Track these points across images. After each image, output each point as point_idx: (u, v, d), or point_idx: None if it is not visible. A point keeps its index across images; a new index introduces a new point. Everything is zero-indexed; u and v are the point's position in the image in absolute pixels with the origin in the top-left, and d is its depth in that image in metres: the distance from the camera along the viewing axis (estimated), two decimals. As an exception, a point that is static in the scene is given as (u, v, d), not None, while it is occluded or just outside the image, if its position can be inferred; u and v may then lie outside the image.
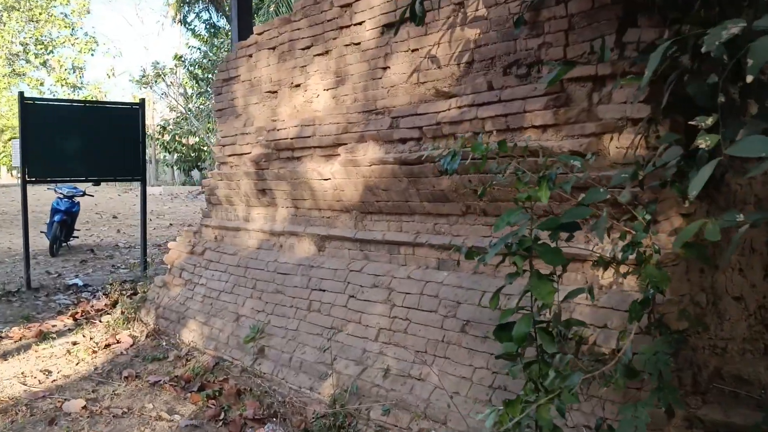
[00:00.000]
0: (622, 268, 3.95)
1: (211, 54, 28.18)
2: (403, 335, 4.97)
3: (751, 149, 2.00)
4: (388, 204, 5.39)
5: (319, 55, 6.01)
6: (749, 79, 2.05)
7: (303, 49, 6.16)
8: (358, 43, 5.58)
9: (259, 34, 6.72)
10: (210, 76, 29.77)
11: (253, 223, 7.10)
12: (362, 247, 5.78)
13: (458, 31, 4.72)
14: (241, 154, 6.88)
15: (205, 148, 33.63)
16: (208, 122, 31.28)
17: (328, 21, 5.85)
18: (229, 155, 7.07)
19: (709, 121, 2.20)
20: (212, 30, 31.79)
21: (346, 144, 5.59)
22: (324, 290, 5.85)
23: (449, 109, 4.68)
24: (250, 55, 6.86)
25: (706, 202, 3.82)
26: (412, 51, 5.12)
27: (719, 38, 2.20)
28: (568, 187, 3.12)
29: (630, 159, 3.71)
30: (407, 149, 5.03)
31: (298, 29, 6.18)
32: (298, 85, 6.31)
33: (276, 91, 6.58)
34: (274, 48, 6.54)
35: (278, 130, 6.33)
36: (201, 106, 31.38)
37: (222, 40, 28.35)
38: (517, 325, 3.13)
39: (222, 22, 32.43)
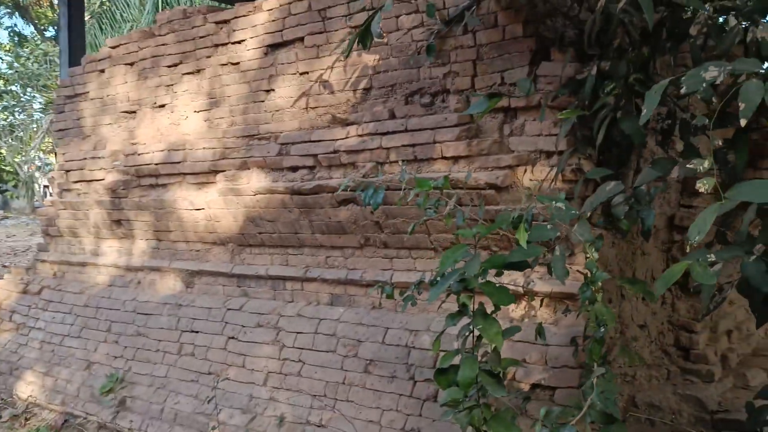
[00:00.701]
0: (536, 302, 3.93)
1: (17, 65, 25.57)
2: (297, 378, 4.61)
3: (753, 195, 1.99)
4: (273, 236, 5.01)
5: (189, 73, 5.50)
6: (743, 122, 2.04)
7: (169, 66, 5.62)
8: (237, 63, 5.18)
9: (114, 47, 6.05)
10: (14, 88, 27.06)
11: (103, 257, 6.34)
12: (240, 283, 5.33)
13: (354, 56, 4.51)
14: (91, 181, 6.12)
15: (7, 168, 30.45)
16: (12, 139, 28.34)
17: (201, 38, 5.38)
18: (76, 181, 6.27)
19: (706, 164, 2.16)
20: (16, 38, 28.99)
21: (224, 171, 5.14)
22: (197, 332, 5.31)
23: (347, 137, 4.45)
24: (102, 70, 6.15)
25: (612, 232, 3.91)
26: (301, 74, 4.83)
27: (701, 81, 2.19)
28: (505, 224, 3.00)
29: (544, 192, 3.70)
30: (299, 178, 4.71)
31: (164, 45, 5.63)
32: (162, 106, 5.73)
33: (135, 112, 5.94)
34: (132, 64, 5.91)
35: (139, 154, 5.70)
36: (3, 122, 28.40)
37: (30, 49, 25.89)
38: (463, 370, 2.93)
39: (29, 30, 29.68)
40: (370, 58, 4.46)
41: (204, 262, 5.56)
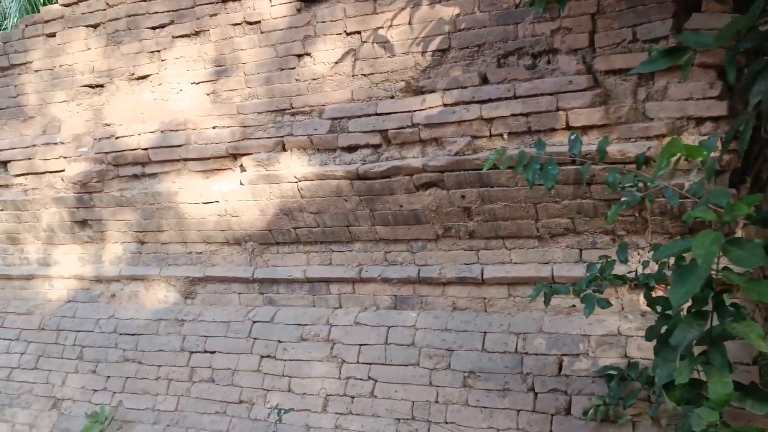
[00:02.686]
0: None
1: None
2: (370, 400, 3.83)
3: None
4: (314, 231, 4.16)
5: (183, 36, 4.47)
6: None
7: (155, 28, 4.54)
8: (257, 22, 4.23)
9: (68, 5, 4.83)
10: None
11: (58, 267, 5.12)
12: (264, 289, 4.43)
13: (425, 11, 3.77)
14: (44, 173, 4.88)
15: None
16: None
17: (202, -9, 4.37)
18: (19, 175, 4.98)
19: None
20: None
21: (249, 154, 4.20)
22: (214, 352, 4.36)
23: (427, 108, 3.69)
24: (51, 35, 4.90)
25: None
26: (350, 34, 4.01)
27: None
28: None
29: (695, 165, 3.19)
30: (359, 159, 3.89)
31: (146, 1, 4.54)
32: (143, 77, 4.64)
33: (102, 86, 4.78)
34: (97, 25, 4.74)
35: (117, 137, 4.57)
36: None
37: None
38: (714, 385, 2.33)
39: None
40: (447, 12, 3.73)
41: (210, 267, 4.57)
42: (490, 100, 3.55)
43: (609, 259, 2.95)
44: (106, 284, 4.95)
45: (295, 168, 4.02)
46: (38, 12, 12.69)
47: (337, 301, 4.22)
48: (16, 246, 5.28)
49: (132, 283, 4.85)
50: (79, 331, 4.85)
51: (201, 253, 4.61)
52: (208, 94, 4.45)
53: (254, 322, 4.34)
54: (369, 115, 3.84)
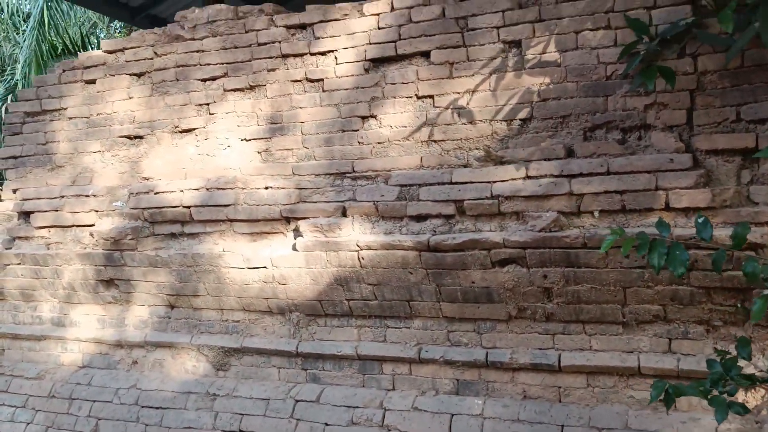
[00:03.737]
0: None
1: None
2: (432, 497, 3.45)
3: None
4: (370, 304, 3.85)
5: (237, 90, 4.24)
6: None
7: (206, 80, 4.31)
8: (319, 80, 4.03)
9: (111, 51, 4.59)
10: None
11: (74, 329, 4.72)
12: (308, 365, 4.08)
13: (509, 78, 3.58)
14: (72, 227, 4.54)
15: None
16: None
17: (262, 45, 4.17)
18: (42, 227, 4.63)
19: None
20: None
21: (304, 218, 3.91)
22: (250, 432, 3.96)
23: (510, 180, 3.46)
24: (91, 81, 4.65)
25: None
26: (421, 98, 3.81)
27: None
28: None
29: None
30: (429, 230, 3.62)
31: (199, 52, 4.32)
32: (188, 130, 4.38)
33: (142, 137, 4.51)
34: (142, 74, 4.50)
35: (156, 193, 4.27)
36: None
37: None
38: None
39: None
40: (533, 81, 3.55)
41: (248, 337, 4.21)
42: (580, 175, 3.33)
43: (730, 355, 2.68)
44: (128, 350, 4.55)
45: (357, 236, 3.73)
46: (43, 59, 12.57)
47: (391, 382, 3.87)
48: (29, 303, 4.88)
49: (157, 350, 4.46)
50: (95, 401, 4.43)
51: (238, 321, 4.26)
52: (260, 152, 4.19)
53: (297, 400, 3.96)
54: (443, 184, 3.60)
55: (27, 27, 11.97)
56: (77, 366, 4.69)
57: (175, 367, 4.40)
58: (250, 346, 4.18)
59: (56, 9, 12.10)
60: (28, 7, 14.18)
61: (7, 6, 14.44)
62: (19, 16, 14.67)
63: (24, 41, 11.87)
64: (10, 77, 13.21)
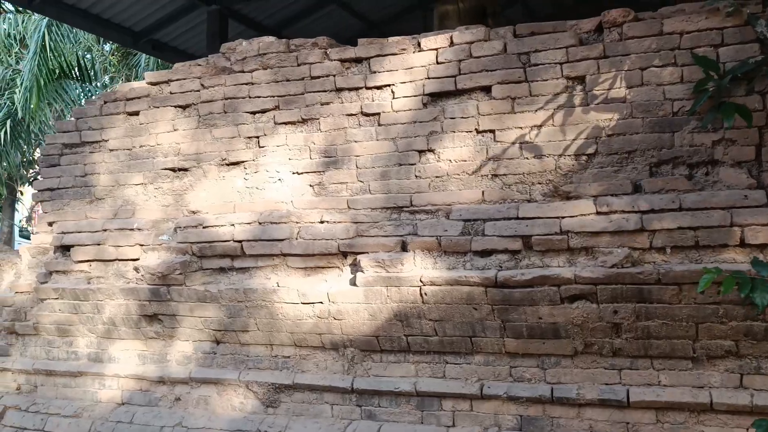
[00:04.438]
0: None
1: None
2: None
3: None
4: (431, 340, 3.81)
5: (288, 123, 4.22)
6: None
7: (255, 113, 4.28)
8: (375, 114, 4.02)
9: (155, 83, 4.55)
10: None
11: (113, 364, 4.61)
12: (362, 401, 4.01)
13: (576, 114, 3.60)
14: (113, 260, 4.46)
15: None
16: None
17: (315, 78, 4.15)
18: (82, 261, 4.54)
19: None
20: None
21: (359, 252, 3.88)
22: (306, 472, 3.87)
23: (579, 215, 3.46)
24: (134, 113, 4.60)
25: None
26: (481, 132, 3.81)
27: None
28: None
29: None
30: (494, 265, 3.61)
31: (249, 84, 4.29)
32: (235, 164, 4.34)
33: (187, 169, 4.46)
34: (187, 106, 4.46)
35: (205, 227, 4.22)
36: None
37: None
38: None
39: None
40: (599, 117, 3.57)
41: (299, 373, 4.14)
42: (652, 211, 3.34)
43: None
44: (171, 386, 4.45)
45: (420, 271, 3.70)
46: (45, 84, 12.43)
47: (451, 418, 3.82)
48: (65, 338, 4.76)
49: (202, 387, 4.37)
50: (138, 440, 4.31)
51: (289, 357, 4.19)
52: (312, 186, 4.16)
53: (355, 438, 3.90)
54: (509, 219, 3.59)
55: (29, 51, 11.88)
56: (116, 403, 4.57)
57: (221, 404, 4.31)
58: (302, 382, 4.11)
59: (56, 33, 12.02)
60: (19, 28, 14.06)
61: (1, 28, 14.30)
62: (12, 38, 14.54)
63: (26, 66, 11.76)
64: (8, 101, 13.06)
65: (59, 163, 4.80)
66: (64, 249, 4.66)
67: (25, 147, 14.58)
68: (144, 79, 4.60)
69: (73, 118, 4.78)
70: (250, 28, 10.01)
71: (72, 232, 4.57)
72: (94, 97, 4.80)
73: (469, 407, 3.80)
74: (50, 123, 13.25)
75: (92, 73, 14.29)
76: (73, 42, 13.22)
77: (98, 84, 15.08)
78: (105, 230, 4.47)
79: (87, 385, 4.68)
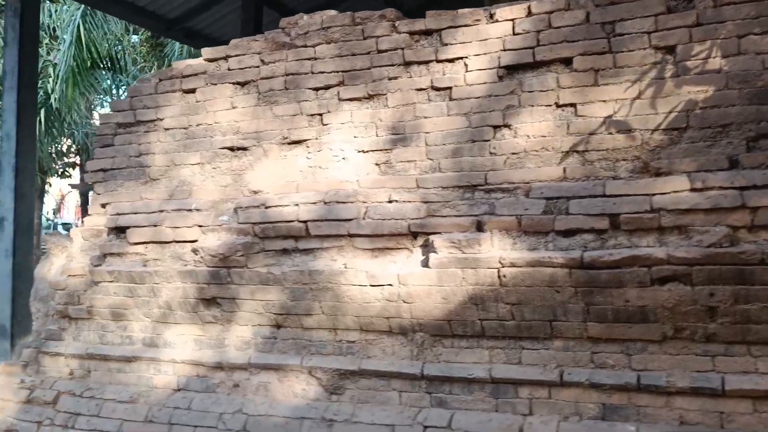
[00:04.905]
0: None
1: None
2: None
3: None
4: (507, 324, 3.64)
5: (353, 99, 4.05)
6: None
7: (318, 89, 4.13)
8: (447, 89, 3.85)
9: (212, 60, 4.41)
10: None
11: (168, 349, 4.49)
12: (432, 388, 3.85)
13: (665, 86, 3.40)
14: (170, 242, 4.33)
15: None
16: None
17: (382, 52, 3.99)
18: (137, 243, 4.42)
19: None
20: None
21: (431, 233, 3.71)
22: (375, 460, 3.72)
23: (672, 192, 3.27)
24: (190, 91, 4.46)
25: None
26: (561, 106, 3.62)
27: None
28: None
29: None
30: (578, 245, 3.43)
31: (312, 59, 4.14)
32: (297, 142, 4.19)
33: (246, 148, 4.31)
34: (246, 83, 4.32)
35: (267, 207, 4.07)
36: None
37: None
38: None
39: None
40: (691, 89, 3.37)
41: (365, 359, 3.99)
42: (754, 187, 3.14)
43: None
44: (229, 372, 4.31)
45: (498, 252, 3.53)
46: (80, 75, 12.41)
47: (528, 406, 3.65)
48: (119, 323, 4.65)
49: (262, 373, 4.23)
50: (197, 427, 4.19)
51: (353, 342, 4.04)
52: (378, 164, 4.00)
53: (426, 426, 3.73)
54: (595, 197, 3.41)
55: (63, 42, 11.83)
56: (172, 389, 4.45)
57: (282, 391, 4.17)
58: (368, 368, 3.95)
59: (90, 23, 11.97)
60: (53, 18, 14.03)
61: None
62: (43, 29, 14.53)
63: (61, 56, 11.71)
64: (41, 92, 13.04)
65: (113, 143, 4.69)
66: (119, 231, 4.54)
67: (59, 138, 14.57)
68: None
69: (128, 97, 4.65)
70: (284, 15, 9.89)
71: (127, 214, 4.45)
72: (148, 75, 4.63)
73: (548, 395, 3.62)
74: (84, 113, 13.24)
75: (122, 64, 14.24)
76: (106, 32, 13.17)
77: (128, 74, 15.05)
78: (162, 211, 4.34)
79: (141, 370, 4.56)
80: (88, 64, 13.00)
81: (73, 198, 32.53)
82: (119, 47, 14.91)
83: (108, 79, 13.89)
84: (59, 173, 18.83)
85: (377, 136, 3.99)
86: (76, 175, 21.99)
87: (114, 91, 15.00)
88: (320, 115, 4.13)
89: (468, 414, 3.73)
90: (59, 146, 16.68)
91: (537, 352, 3.66)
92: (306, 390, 4.12)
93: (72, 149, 16.99)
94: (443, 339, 3.84)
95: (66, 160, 19.00)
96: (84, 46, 11.68)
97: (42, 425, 4.53)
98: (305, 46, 4.16)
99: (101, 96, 15.91)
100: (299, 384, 4.14)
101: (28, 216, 7.30)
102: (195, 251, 4.20)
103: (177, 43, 13.11)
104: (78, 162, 19.41)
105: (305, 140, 4.17)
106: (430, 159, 3.87)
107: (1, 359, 6.85)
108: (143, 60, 16.30)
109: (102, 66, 13.33)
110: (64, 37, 13.19)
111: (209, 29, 10.56)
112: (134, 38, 16.50)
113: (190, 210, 4.26)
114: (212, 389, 4.35)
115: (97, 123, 16.88)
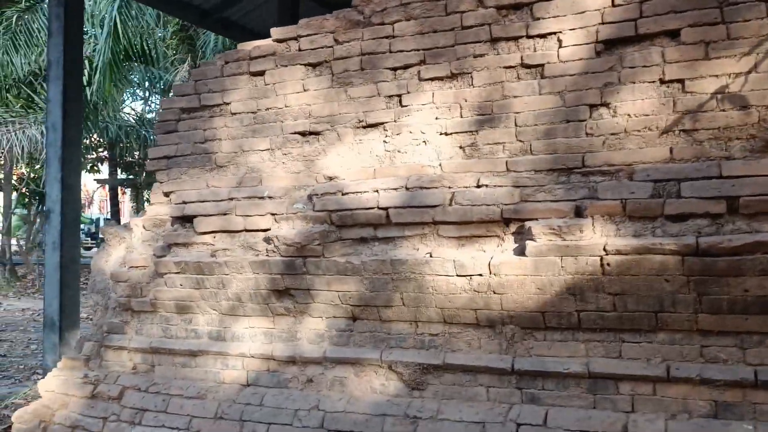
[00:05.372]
0: None
1: None
2: None
3: None
4: (607, 316, 3.41)
5: (434, 79, 3.84)
6: None
7: (397, 68, 3.92)
8: (538, 66, 3.62)
9: (282, 40, 4.22)
10: None
11: (237, 342, 4.31)
12: (523, 384, 3.63)
13: (784, 57, 3.15)
14: (240, 231, 4.15)
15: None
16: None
17: (467, 28, 3.76)
18: (205, 232, 4.24)
19: None
20: None
21: (526, 219, 3.49)
22: (465, 460, 3.51)
23: (799, 172, 3.02)
24: (259, 73, 4.27)
25: None
26: (666, 83, 3.38)
27: None
28: None
29: None
30: (691, 231, 3.19)
31: (390, 37, 3.93)
32: (374, 125, 3.99)
33: (319, 133, 4.12)
34: (318, 64, 4.12)
35: (344, 193, 3.88)
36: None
37: None
38: None
39: None
40: (814, 60, 3.11)
41: (449, 353, 3.78)
42: None
43: None
44: (302, 367, 4.13)
45: (601, 239, 3.30)
46: (118, 66, 12.31)
47: (630, 403, 3.42)
48: (183, 316, 4.48)
49: (337, 367, 4.04)
50: (271, 424, 4.01)
51: (436, 335, 3.84)
52: (462, 147, 3.79)
53: (519, 424, 3.52)
54: (710, 178, 3.16)
55: (101, 34, 11.72)
56: (241, 384, 4.28)
57: (359, 386, 3.98)
58: (453, 362, 3.75)
59: (126, 14, 11.86)
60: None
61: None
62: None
63: (99, 49, 11.60)
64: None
65: (176, 129, 4.51)
66: (184, 220, 4.37)
67: (93, 131, 14.52)
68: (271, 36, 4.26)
69: (192, 81, 4.47)
70: (322, 6, 9.72)
71: (194, 202, 4.28)
72: (214, 57, 4.44)
73: (652, 391, 3.39)
74: (118, 106, 13.17)
75: (154, 56, 14.14)
76: (142, 24, 13.07)
77: (159, 67, 14.96)
78: (232, 199, 4.16)
79: (208, 364, 4.39)
80: (121, 57, 12.92)
81: (98, 194, 32.68)
82: (150, 40, 14.81)
83: (139, 72, 13.79)
84: (88, 168, 18.84)
85: (461, 117, 3.78)
86: (104, 170, 22.02)
87: (147, 85, 14.91)
88: (399, 96, 3.92)
89: (563, 411, 3.52)
90: (90, 140, 16.66)
91: (639, 346, 3.43)
92: (385, 385, 3.93)
93: (102, 143, 16.96)
94: (535, 332, 3.63)
95: (94, 154, 19.00)
96: (121, 37, 11.56)
97: (108, 421, 4.38)
98: (382, 24, 3.95)
99: (133, 89, 15.83)
100: (378, 379, 3.95)
101: (75, 208, 7.20)
102: (268, 240, 4.01)
103: (212, 35, 12.97)
104: (107, 156, 19.41)
105: (382, 123, 3.96)
106: (521, 141, 3.65)
107: (50, 353, 6.78)
108: (173, 52, 16.21)
109: (136, 58, 13.22)
110: (92, 31, 13.14)
111: (244, 19, 10.42)
112: (160, 32, 16.40)
113: (262, 198, 4.08)
114: (284, 384, 4.17)
115: (126, 117, 16.88)
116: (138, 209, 29.10)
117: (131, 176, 21.97)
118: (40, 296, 16.15)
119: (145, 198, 28.56)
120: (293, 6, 9.74)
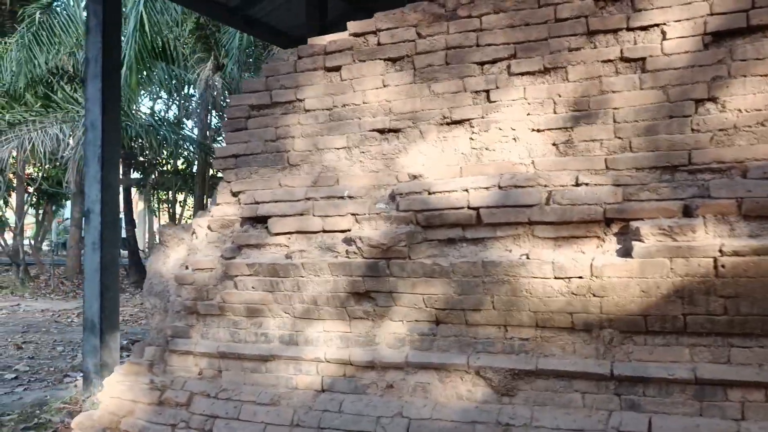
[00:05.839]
0: None
1: None
2: None
3: None
4: (717, 320, 3.27)
5: (526, 74, 3.70)
6: None
7: (484, 63, 3.78)
8: (639, 60, 3.48)
9: (360, 34, 4.07)
10: None
11: (310, 347, 4.17)
12: (622, 390, 3.49)
13: None
14: (317, 232, 4.01)
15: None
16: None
17: (561, 21, 3.62)
18: (279, 233, 4.10)
19: None
20: None
21: (630, 219, 3.35)
22: (565, 471, 3.37)
23: None
24: (335, 68, 4.13)
25: None
26: (781, 76, 3.23)
27: None
28: None
29: None
30: (811, 231, 3.05)
31: (477, 31, 3.79)
32: (459, 122, 3.85)
33: (399, 130, 3.98)
34: (399, 59, 3.98)
35: (431, 193, 3.73)
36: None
37: None
38: None
39: None
40: None
41: (542, 358, 3.64)
42: None
43: None
44: (381, 372, 3.99)
45: (715, 240, 3.16)
46: (144, 63, 12.17)
47: (739, 411, 3.28)
48: (252, 319, 4.34)
49: (420, 373, 3.90)
50: (351, 431, 3.87)
51: (527, 339, 3.70)
52: (556, 144, 3.65)
53: (622, 432, 3.39)
54: (835, 176, 3.03)
55: (126, 30, 11.58)
56: (315, 390, 4.14)
57: (444, 393, 3.84)
58: (547, 368, 3.61)
59: (151, 11, 11.72)
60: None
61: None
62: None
63: (125, 45, 11.46)
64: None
65: (246, 126, 4.37)
66: (255, 221, 4.23)
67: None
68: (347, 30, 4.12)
69: (263, 76, 4.33)
70: (349, 3, 9.60)
71: (268, 202, 4.13)
72: (287, 52, 4.29)
73: (764, 398, 3.25)
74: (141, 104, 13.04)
75: (176, 54, 14.00)
76: (168, 21, 12.93)
77: (180, 65, 14.81)
78: (309, 199, 4.02)
79: (280, 370, 4.25)
80: (144, 54, 12.78)
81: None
82: (172, 37, 14.66)
83: (161, 70, 13.66)
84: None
85: (555, 113, 3.64)
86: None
87: (174, 83, 14.77)
88: (487, 91, 3.78)
89: (668, 418, 3.37)
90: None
91: (750, 351, 3.29)
92: (472, 391, 3.79)
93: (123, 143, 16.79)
94: (635, 336, 3.49)
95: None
96: (147, 34, 11.42)
97: (176, 428, 4.24)
98: (470, 17, 3.81)
99: (154, 87, 15.68)
100: (464, 385, 3.81)
101: (114, 208, 7.06)
102: (349, 241, 3.87)
103: (237, 33, 12.82)
104: (122, 156, 19.23)
105: (469, 119, 3.82)
106: (620, 137, 3.51)
107: (90, 356, 6.63)
108: (190, 51, 16.05)
109: (159, 56, 13.08)
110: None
111: (269, 17, 10.30)
112: (176, 31, 16.26)
113: (341, 197, 3.94)
114: (362, 390, 4.03)
115: (144, 115, 16.71)
116: (150, 209, 28.94)
117: (143, 176, 21.84)
118: (56, 297, 16.04)
119: (154, 198, 28.38)
120: (321, 3, 9.62)
